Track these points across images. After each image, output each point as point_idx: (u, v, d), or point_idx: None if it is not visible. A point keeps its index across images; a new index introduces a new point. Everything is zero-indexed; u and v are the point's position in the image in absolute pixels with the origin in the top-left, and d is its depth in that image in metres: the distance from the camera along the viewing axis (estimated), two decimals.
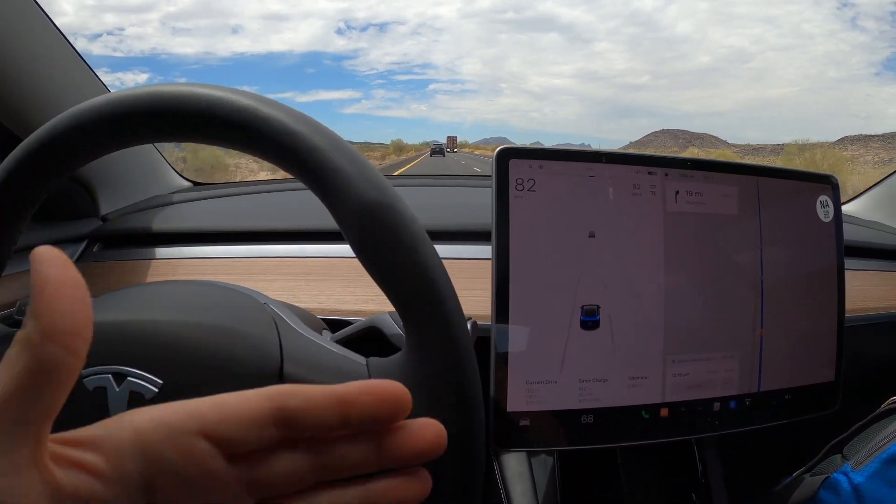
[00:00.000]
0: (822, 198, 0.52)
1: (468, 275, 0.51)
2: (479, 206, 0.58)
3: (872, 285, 0.71)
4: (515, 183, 0.40)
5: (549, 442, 0.42)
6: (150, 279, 0.59)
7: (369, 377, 0.28)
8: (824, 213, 0.52)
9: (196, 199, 0.74)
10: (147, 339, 0.28)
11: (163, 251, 0.62)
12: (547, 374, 0.40)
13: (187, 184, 0.83)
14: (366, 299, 0.51)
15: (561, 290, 0.40)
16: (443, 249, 0.56)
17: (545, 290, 0.40)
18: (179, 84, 0.27)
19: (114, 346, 0.28)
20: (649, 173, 0.43)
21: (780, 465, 0.66)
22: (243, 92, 0.27)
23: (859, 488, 0.56)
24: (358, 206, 0.26)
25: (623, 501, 0.49)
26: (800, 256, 0.50)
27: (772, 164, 0.52)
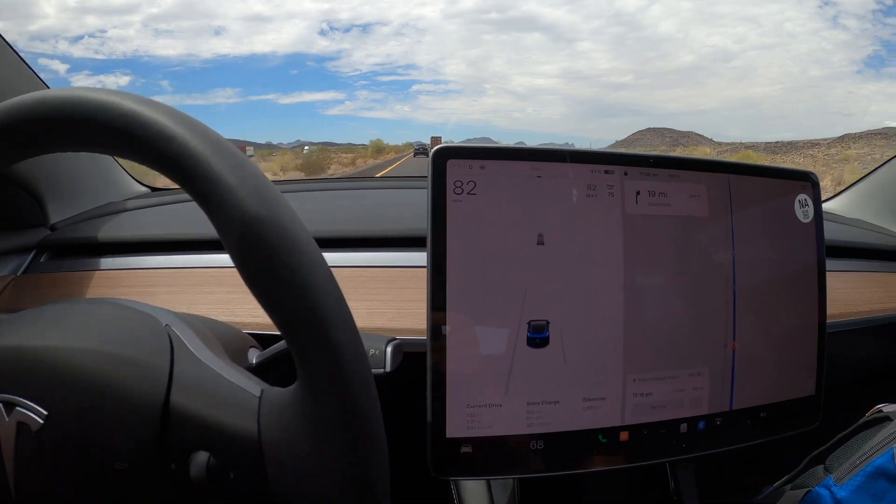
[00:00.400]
0: (801, 196, 0.48)
1: (406, 284, 0.47)
2: (421, 208, 0.54)
3: (855, 288, 0.67)
4: (454, 185, 0.36)
5: (495, 470, 0.37)
6: (91, 291, 0.55)
7: (259, 410, 0.25)
8: (803, 213, 0.47)
9: (152, 206, 0.70)
10: (36, 366, 0.27)
11: (107, 262, 0.58)
12: (490, 397, 0.36)
13: (144, 189, 0.79)
14: None
15: (505, 303, 0.36)
16: (380, 257, 0.52)
17: (487, 303, 0.36)
18: (64, 89, 0.25)
19: (5, 373, 0.26)
20: (606, 172, 0.39)
21: (759, 474, 0.62)
22: (129, 95, 0.24)
23: (842, 503, 0.52)
24: (238, 221, 0.23)
25: None
26: (777, 261, 0.45)
27: (745, 161, 0.48)
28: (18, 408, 0.25)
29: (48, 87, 0.65)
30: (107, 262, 0.58)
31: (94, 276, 0.57)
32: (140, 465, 0.25)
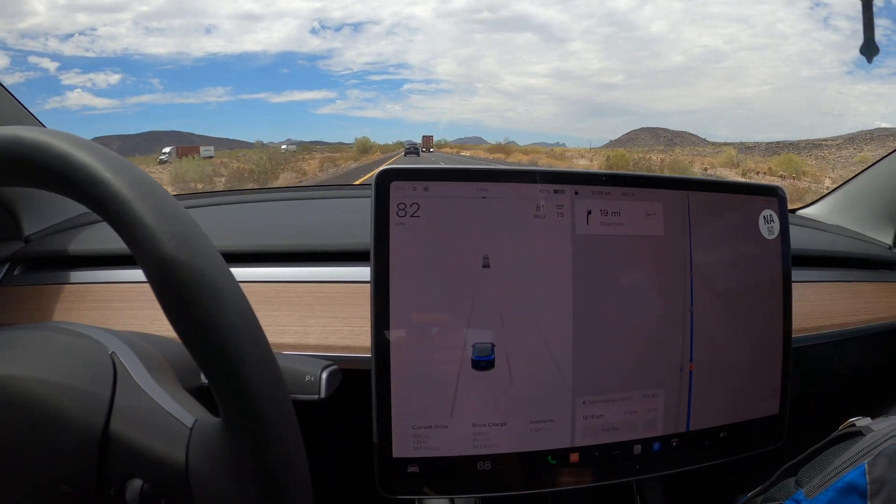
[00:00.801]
0: (767, 212, 0.47)
1: (365, 301, 0.47)
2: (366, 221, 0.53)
3: (831, 298, 0.66)
4: (397, 208, 0.35)
5: (443, 490, 0.37)
6: (59, 306, 0.55)
7: (189, 440, 0.26)
8: (768, 229, 0.46)
9: None
10: None
11: (77, 275, 0.58)
12: (436, 419, 0.36)
13: None
14: (274, 331, 0.46)
15: (450, 326, 0.36)
16: (324, 272, 0.51)
17: (432, 326, 0.36)
18: (6, 128, 0.26)
19: None
20: (556, 192, 0.38)
21: (731, 485, 0.61)
22: (66, 136, 0.26)
23: None
24: (156, 262, 0.24)
25: None
26: (739, 279, 0.44)
27: (709, 177, 0.47)
28: None
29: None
30: (77, 275, 0.58)
31: (63, 290, 0.57)
32: (83, 490, 0.26)
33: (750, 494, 0.58)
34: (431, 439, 0.36)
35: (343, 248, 0.53)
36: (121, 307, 0.51)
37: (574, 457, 0.38)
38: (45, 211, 0.65)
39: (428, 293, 0.35)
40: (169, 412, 0.27)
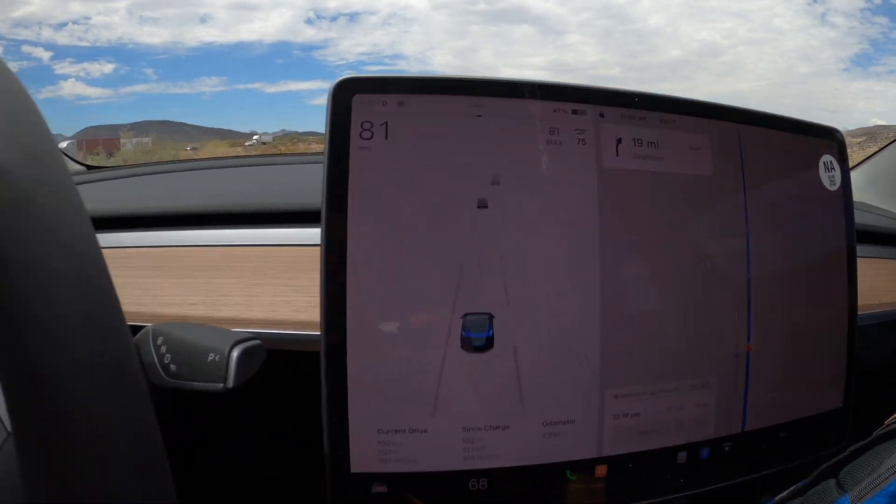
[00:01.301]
0: (826, 158, 0.37)
1: (313, 266, 0.37)
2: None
3: (873, 274, 0.57)
4: (361, 128, 0.25)
5: None
6: None
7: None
8: (829, 178, 0.37)
9: (89, 182, 0.59)
10: None
11: None
12: (411, 420, 0.26)
13: (80, 168, 0.70)
14: (192, 301, 0.36)
15: (431, 291, 0.26)
16: (280, 234, 0.42)
17: (405, 291, 0.25)
18: None
19: None
20: (575, 113, 0.28)
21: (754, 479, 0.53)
22: None
23: None
24: None
25: None
26: (801, 239, 0.35)
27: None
28: None
29: None
30: None
31: None
32: None
33: (781, 496, 0.50)
34: (405, 448, 0.26)
35: (304, 208, 0.43)
36: None
37: (601, 470, 0.28)
38: None
39: (400, 245, 0.25)
40: None
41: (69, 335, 0.14)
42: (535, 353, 0.27)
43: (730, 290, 0.31)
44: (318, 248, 0.26)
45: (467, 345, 0.26)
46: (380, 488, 0.26)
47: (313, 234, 0.42)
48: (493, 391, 0.26)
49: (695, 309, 0.30)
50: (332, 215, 0.25)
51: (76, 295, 0.15)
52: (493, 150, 0.26)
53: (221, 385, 0.24)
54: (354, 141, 0.25)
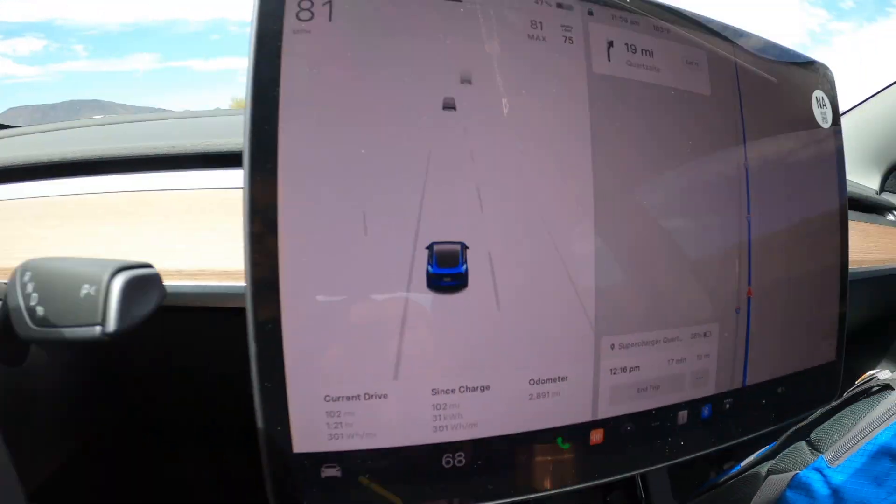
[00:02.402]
0: (818, 94, 0.35)
1: (237, 211, 0.31)
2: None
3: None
4: (298, 7, 0.20)
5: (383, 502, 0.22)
6: None
7: None
8: (821, 114, 0.35)
9: None
10: None
11: None
12: (368, 383, 0.20)
13: None
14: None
15: (386, 216, 0.20)
16: (199, 177, 0.35)
17: (353, 216, 0.20)
18: None
19: None
20: (559, 6, 0.24)
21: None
22: None
23: (839, 490, 0.43)
24: None
25: None
26: (796, 179, 0.33)
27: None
28: None
29: None
30: None
31: None
32: None
33: (748, 461, 0.49)
34: (361, 420, 0.21)
35: (226, 149, 0.36)
36: None
37: (597, 435, 0.24)
38: None
39: (346, 156, 0.20)
40: None
41: None
42: (519, 293, 0.22)
43: (731, 228, 0.28)
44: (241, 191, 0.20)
45: (435, 284, 0.21)
46: (331, 471, 0.21)
47: (233, 176, 0.37)
48: (469, 343, 0.22)
49: (695, 246, 0.27)
50: (260, 117, 0.19)
51: None
52: (464, 39, 0.21)
53: (99, 329, 0.18)
54: (289, 22, 0.20)
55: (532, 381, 0.23)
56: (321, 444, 0.21)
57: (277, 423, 0.20)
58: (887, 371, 0.51)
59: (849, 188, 0.72)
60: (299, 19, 0.20)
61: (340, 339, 0.20)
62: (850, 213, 0.65)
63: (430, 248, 0.20)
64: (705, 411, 0.27)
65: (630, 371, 0.24)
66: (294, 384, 0.20)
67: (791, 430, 0.49)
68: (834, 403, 0.49)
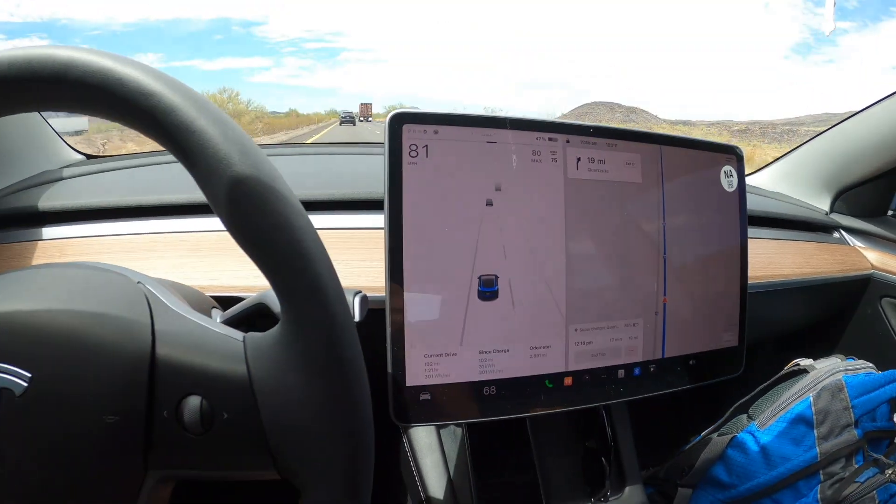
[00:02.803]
0: (727, 168, 0.53)
1: (368, 245, 0.50)
2: (376, 174, 0.56)
3: (776, 253, 0.75)
4: (409, 149, 0.39)
5: (452, 415, 0.41)
6: (36, 261, 0.54)
7: (245, 354, 0.27)
8: (728, 182, 0.53)
9: (88, 174, 0.69)
10: (13, 330, 0.27)
11: (50, 231, 0.57)
12: (446, 347, 0.40)
13: (79, 157, 0.77)
14: (258, 274, 0.48)
15: (458, 259, 0.40)
16: (341, 219, 0.55)
17: (441, 260, 0.39)
18: (32, 47, 0.25)
19: None
20: (550, 140, 0.43)
21: (688, 425, 0.69)
22: (100, 52, 0.25)
23: (766, 447, 0.59)
24: (223, 175, 0.24)
25: (534, 469, 0.49)
26: (703, 225, 0.51)
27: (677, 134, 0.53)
28: None
29: None
30: (48, 231, 0.57)
31: (37, 247, 0.56)
32: (130, 416, 0.26)
33: (705, 432, 0.67)
34: (442, 367, 0.40)
35: (355, 197, 0.56)
36: (110, 258, 0.52)
37: (568, 381, 0.43)
38: (8, 169, 0.63)
39: (438, 229, 0.39)
40: (217, 331, 0.28)
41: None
42: (525, 299, 0.41)
43: (651, 261, 0.47)
44: (351, 231, 0.39)
45: (482, 296, 0.40)
46: (425, 396, 0.40)
47: (345, 219, 0.56)
48: (498, 326, 0.41)
49: (628, 271, 0.46)
50: (393, 208, 0.38)
51: (315, 233, 0.26)
52: (497, 164, 0.41)
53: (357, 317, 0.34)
54: (405, 157, 0.39)
55: (531, 348, 0.42)
56: (421, 380, 0.40)
57: (399, 369, 0.39)
58: (810, 360, 0.69)
59: (799, 210, 0.90)
60: (410, 156, 0.39)
61: (433, 323, 0.40)
62: (796, 234, 0.82)
63: (479, 277, 0.40)
64: (636, 371, 0.46)
65: (587, 344, 0.44)
66: (409, 349, 0.39)
67: (734, 406, 0.67)
68: (765, 384, 0.67)
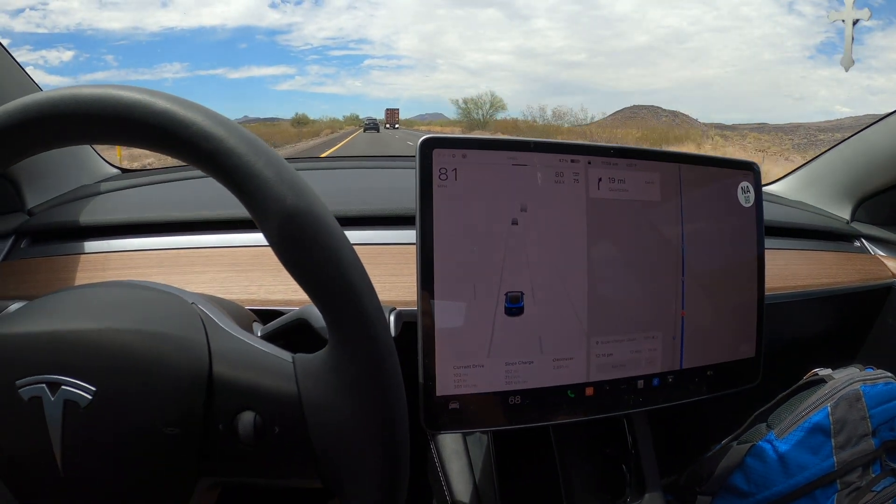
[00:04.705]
0: (744, 184, 0.56)
1: (398, 260, 0.53)
2: (408, 188, 0.60)
3: (795, 264, 0.77)
4: (439, 172, 0.42)
5: (479, 423, 0.45)
6: (79, 275, 0.59)
7: (295, 375, 0.30)
8: (745, 198, 0.56)
9: (125, 188, 0.73)
10: (78, 347, 0.30)
11: (92, 245, 0.62)
12: (474, 359, 0.43)
13: (115, 171, 0.82)
14: (295, 288, 0.51)
15: (486, 277, 0.43)
16: (371, 235, 0.59)
17: (470, 277, 0.43)
18: (97, 87, 0.28)
19: (47, 356, 0.29)
20: (572, 161, 0.46)
21: (708, 434, 0.72)
22: (161, 94, 0.28)
23: (784, 456, 0.62)
24: (278, 213, 0.28)
25: (556, 475, 0.53)
26: (721, 240, 0.54)
27: (694, 152, 0.56)
28: (64, 387, 0.28)
29: (40, 88, 0.67)
30: (89, 245, 0.62)
31: (78, 261, 0.60)
32: (188, 429, 0.29)
33: (725, 441, 0.69)
34: (470, 378, 0.43)
35: (385, 213, 0.60)
36: (150, 273, 0.56)
37: (589, 391, 0.47)
38: (47, 183, 0.68)
39: (466, 249, 0.43)
40: (267, 351, 0.31)
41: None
42: (548, 314, 0.45)
43: (670, 275, 0.50)
44: (381, 247, 0.43)
45: (508, 311, 0.44)
46: (454, 405, 0.44)
47: (375, 235, 0.59)
48: (524, 340, 0.44)
49: (648, 285, 0.49)
50: (424, 228, 0.42)
51: (361, 266, 0.29)
52: (522, 185, 0.44)
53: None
54: (435, 181, 0.43)
55: (554, 359, 0.45)
56: (450, 390, 0.43)
57: (430, 380, 0.43)
58: (829, 369, 0.71)
59: (820, 220, 0.92)
60: (440, 179, 0.43)
61: (462, 337, 0.43)
62: (816, 243, 0.84)
63: (506, 294, 0.43)
64: (655, 381, 0.50)
65: (607, 356, 0.47)
66: (439, 360, 0.43)
67: (755, 415, 0.69)
68: (784, 393, 0.69)
